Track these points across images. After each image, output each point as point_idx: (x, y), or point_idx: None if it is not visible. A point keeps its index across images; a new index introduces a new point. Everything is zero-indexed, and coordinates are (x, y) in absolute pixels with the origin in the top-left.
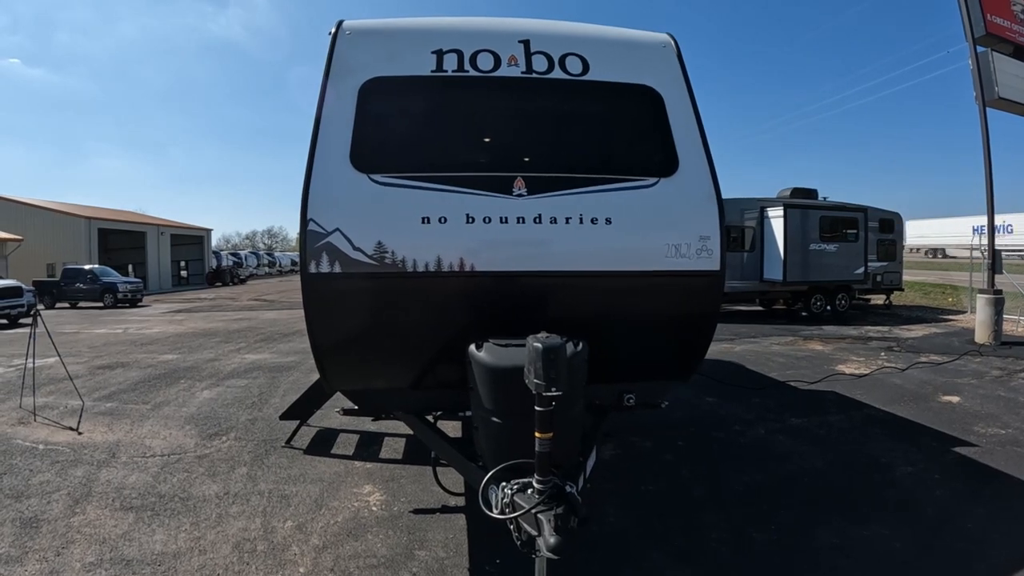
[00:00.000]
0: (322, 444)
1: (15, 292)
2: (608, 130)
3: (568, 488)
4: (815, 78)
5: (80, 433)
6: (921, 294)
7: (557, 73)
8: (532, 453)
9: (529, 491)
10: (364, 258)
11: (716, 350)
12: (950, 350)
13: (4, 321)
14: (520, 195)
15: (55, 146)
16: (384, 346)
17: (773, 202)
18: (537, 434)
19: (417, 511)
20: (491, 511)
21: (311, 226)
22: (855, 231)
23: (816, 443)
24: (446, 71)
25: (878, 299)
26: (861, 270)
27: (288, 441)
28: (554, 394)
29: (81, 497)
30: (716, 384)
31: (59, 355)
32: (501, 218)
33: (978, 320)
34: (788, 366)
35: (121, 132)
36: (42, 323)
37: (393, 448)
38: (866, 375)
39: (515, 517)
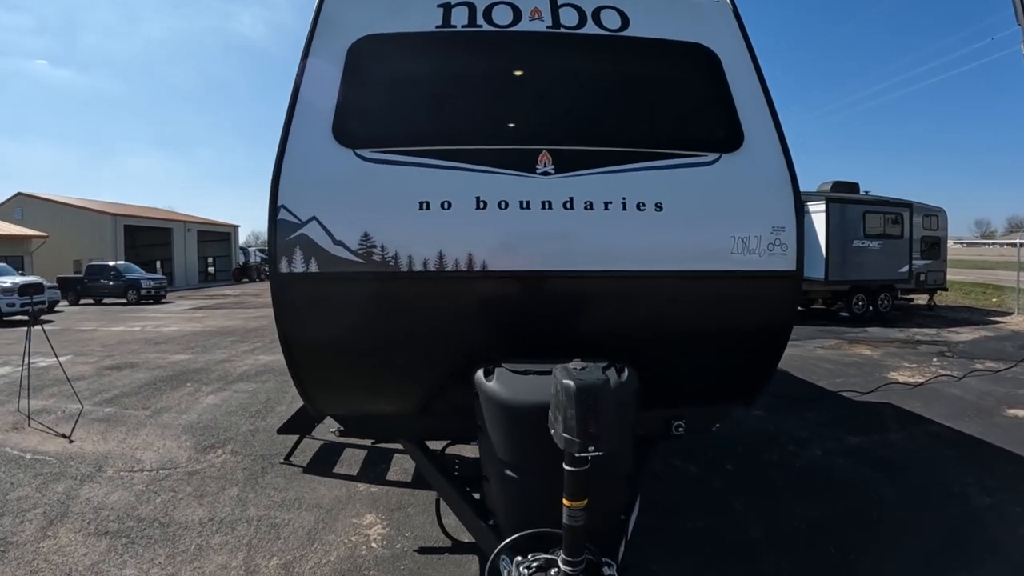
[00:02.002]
0: (325, 461)
1: (36, 289)
2: (655, 96)
3: (607, 570)
4: (848, 71)
5: (72, 441)
6: (962, 294)
7: (590, 28)
8: (559, 519)
9: (553, 572)
10: (347, 254)
11: None
12: (1005, 356)
13: (26, 317)
14: (546, 173)
15: (85, 146)
16: (375, 364)
17: (814, 196)
18: (566, 502)
19: (423, 550)
20: None
21: (282, 214)
22: (899, 227)
23: (881, 467)
24: (455, 26)
25: (920, 299)
26: (906, 269)
27: (287, 457)
28: (593, 454)
29: (56, 518)
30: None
31: (56, 356)
32: (521, 203)
33: None
34: (837, 373)
35: (150, 131)
36: (40, 324)
37: (404, 468)
38: (922, 384)
39: None
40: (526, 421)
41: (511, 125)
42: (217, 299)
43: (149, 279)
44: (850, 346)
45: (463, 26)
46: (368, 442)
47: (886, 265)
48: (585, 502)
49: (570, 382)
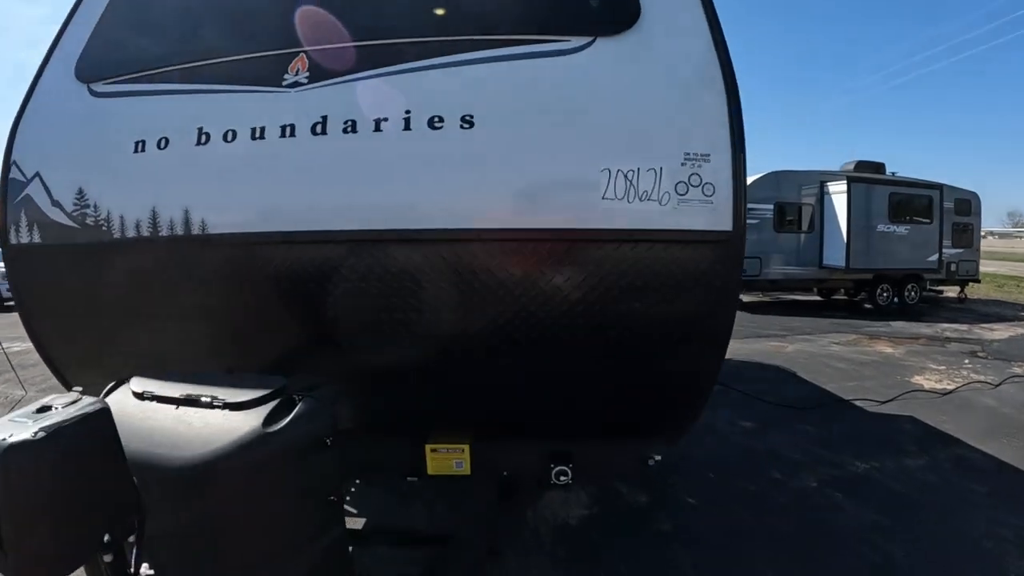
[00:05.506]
0: None
1: None
2: None
3: None
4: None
5: None
6: (994, 286)
7: None
8: None
9: None
10: (63, 218)
11: (763, 350)
12: None
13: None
14: (296, 84)
15: None
16: (109, 345)
17: (835, 176)
18: None
19: None
20: None
21: (12, 172)
22: (929, 212)
23: (888, 509)
24: None
25: (950, 291)
26: (935, 257)
27: None
28: None
29: None
30: (755, 401)
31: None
32: (255, 130)
33: None
34: (850, 375)
35: None
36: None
37: None
38: (951, 392)
39: None
40: None
41: (266, 29)
42: None
43: None
44: (869, 341)
45: None
46: None
47: (913, 253)
48: None
49: None
